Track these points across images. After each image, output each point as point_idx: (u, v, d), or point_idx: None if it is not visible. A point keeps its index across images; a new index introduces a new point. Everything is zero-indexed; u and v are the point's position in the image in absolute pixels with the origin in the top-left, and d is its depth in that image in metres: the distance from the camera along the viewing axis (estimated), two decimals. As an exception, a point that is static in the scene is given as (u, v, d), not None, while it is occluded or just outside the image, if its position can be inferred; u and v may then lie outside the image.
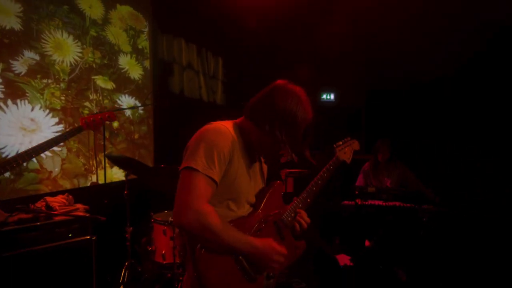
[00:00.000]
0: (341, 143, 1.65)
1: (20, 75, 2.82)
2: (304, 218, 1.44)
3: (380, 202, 3.51)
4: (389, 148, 3.93)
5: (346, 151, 1.66)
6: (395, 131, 5.03)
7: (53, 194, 2.81)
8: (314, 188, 1.53)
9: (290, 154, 1.25)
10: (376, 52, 5.27)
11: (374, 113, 6.18)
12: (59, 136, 1.91)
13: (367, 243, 3.81)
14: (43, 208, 2.45)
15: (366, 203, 3.46)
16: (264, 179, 1.49)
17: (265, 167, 1.50)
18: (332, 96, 6.81)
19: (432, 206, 3.35)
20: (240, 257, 1.21)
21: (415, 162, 4.29)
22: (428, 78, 4.91)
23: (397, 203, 3.45)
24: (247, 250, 1.19)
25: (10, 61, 2.75)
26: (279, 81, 1.32)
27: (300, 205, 1.48)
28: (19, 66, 2.81)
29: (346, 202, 3.53)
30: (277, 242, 1.26)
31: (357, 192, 3.40)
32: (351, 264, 3.63)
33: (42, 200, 2.51)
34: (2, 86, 2.69)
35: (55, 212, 2.44)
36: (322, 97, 6.73)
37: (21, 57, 2.82)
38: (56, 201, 2.53)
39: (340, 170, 1.70)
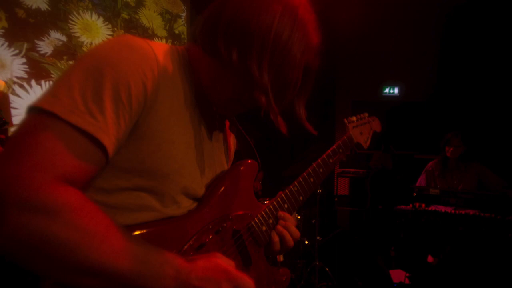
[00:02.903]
0: (355, 118, 1.17)
1: (46, 55, 2.77)
2: (291, 228, 0.86)
3: (448, 209, 2.79)
4: (463, 142, 3.16)
5: (362, 130, 1.17)
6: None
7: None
8: (311, 179, 0.95)
9: (274, 111, 0.66)
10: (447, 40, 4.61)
11: (443, 108, 5.37)
12: None
13: (430, 259, 3.11)
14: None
15: (428, 209, 2.77)
16: (229, 157, 0.91)
17: (231, 137, 0.93)
18: (396, 90, 6.16)
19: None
20: None
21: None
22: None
23: (471, 211, 2.70)
24: (163, 281, 0.57)
25: (36, 41, 2.71)
26: None
27: (286, 206, 0.89)
28: (45, 47, 2.76)
29: (401, 206, 2.88)
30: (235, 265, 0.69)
31: (415, 194, 2.72)
32: (408, 282, 2.97)
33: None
34: (26, 66, 2.66)
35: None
36: (385, 91, 6.11)
37: (47, 38, 2.77)
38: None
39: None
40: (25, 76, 2.66)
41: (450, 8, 4.18)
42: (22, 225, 0.49)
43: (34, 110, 0.56)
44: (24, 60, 2.64)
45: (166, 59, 0.67)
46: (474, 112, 4.59)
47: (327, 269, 2.90)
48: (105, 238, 0.54)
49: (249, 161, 0.86)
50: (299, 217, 2.87)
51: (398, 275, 3.13)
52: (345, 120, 1.14)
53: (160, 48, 0.67)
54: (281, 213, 0.88)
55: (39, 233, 0.50)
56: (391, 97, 5.97)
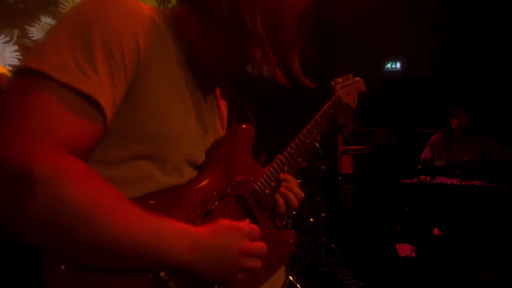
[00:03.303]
0: (341, 80, 1.18)
1: (38, 41, 2.71)
2: (294, 189, 0.85)
3: (454, 181, 2.77)
4: (468, 114, 3.11)
5: (349, 91, 1.18)
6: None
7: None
8: (307, 141, 0.95)
9: (271, 62, 0.63)
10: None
11: (446, 83, 5.28)
12: None
13: (436, 231, 3.10)
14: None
15: (434, 181, 2.74)
16: (223, 123, 0.89)
17: (223, 103, 0.91)
18: (398, 65, 6.06)
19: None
20: (162, 273, 0.57)
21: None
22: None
23: (477, 182, 2.67)
24: (180, 253, 0.55)
25: (27, 27, 2.64)
26: None
27: (286, 168, 0.89)
28: (36, 33, 2.70)
29: (405, 180, 2.85)
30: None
31: (420, 167, 2.69)
32: (415, 255, 2.98)
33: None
34: (19, 53, 2.61)
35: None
36: (386, 67, 6.01)
37: (38, 23, 2.71)
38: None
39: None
40: (18, 63, 2.61)
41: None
42: (27, 199, 0.44)
43: (22, 71, 0.51)
44: (16, 47, 2.59)
45: (154, 18, 0.63)
46: (477, 86, 4.52)
47: (333, 246, 2.91)
48: (117, 210, 0.51)
49: (244, 126, 0.84)
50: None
51: (404, 249, 3.14)
52: (332, 82, 1.14)
53: (146, 6, 0.64)
54: (282, 175, 0.87)
55: (43, 208, 0.45)
56: (393, 72, 5.88)
